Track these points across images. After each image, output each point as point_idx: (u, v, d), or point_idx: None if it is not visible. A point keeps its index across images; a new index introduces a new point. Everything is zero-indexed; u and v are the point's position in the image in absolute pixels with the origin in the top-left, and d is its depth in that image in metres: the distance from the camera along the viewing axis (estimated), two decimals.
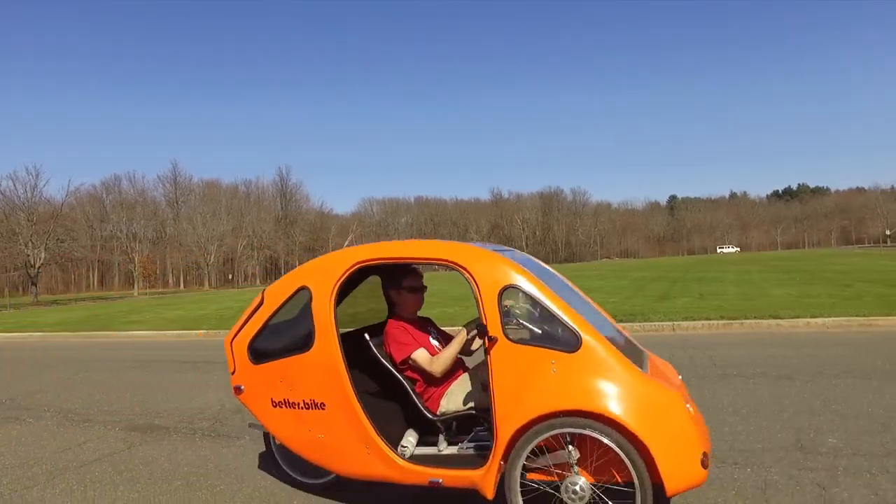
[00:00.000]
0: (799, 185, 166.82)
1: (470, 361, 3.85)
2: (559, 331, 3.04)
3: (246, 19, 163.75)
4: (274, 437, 3.94)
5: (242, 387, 3.72)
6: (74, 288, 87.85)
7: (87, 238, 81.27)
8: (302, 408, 3.49)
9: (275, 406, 3.58)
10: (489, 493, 3.08)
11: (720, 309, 12.31)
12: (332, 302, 3.44)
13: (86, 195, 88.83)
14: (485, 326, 3.10)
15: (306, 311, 3.49)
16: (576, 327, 2.99)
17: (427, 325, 3.85)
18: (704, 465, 2.83)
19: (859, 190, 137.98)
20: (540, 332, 3.07)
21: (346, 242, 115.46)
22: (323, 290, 3.44)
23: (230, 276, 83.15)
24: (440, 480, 3.22)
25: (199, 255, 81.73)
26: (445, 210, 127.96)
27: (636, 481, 2.83)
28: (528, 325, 3.07)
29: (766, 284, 18.86)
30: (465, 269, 3.22)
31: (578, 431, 2.90)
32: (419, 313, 3.88)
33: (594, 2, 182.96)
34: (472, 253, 3.29)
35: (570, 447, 2.96)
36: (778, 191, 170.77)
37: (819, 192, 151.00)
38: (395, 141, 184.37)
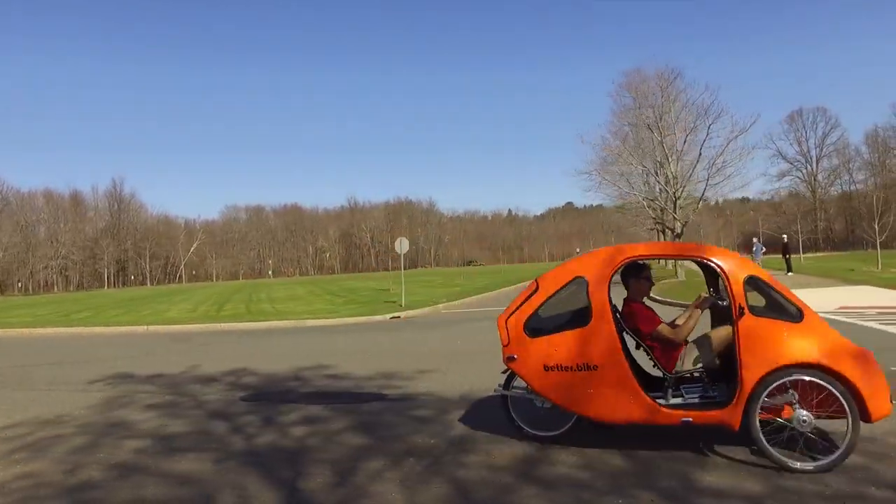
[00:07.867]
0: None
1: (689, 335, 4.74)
2: (788, 307, 4.08)
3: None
4: (512, 402, 4.83)
5: (515, 356, 4.48)
6: None
7: None
8: (574, 370, 4.27)
9: (547, 370, 4.35)
10: (736, 426, 3.97)
11: None
12: (608, 287, 4.29)
13: None
14: (722, 303, 4.33)
15: (582, 296, 4.32)
16: (800, 306, 4.06)
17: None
18: (892, 400, 3.90)
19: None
20: (775, 308, 4.11)
21: (192, 248, 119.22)
22: (600, 279, 4.31)
23: (18, 284, 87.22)
24: (690, 419, 4.06)
25: None
26: (303, 218, 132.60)
27: (848, 413, 3.81)
28: (766, 304, 4.11)
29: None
30: (716, 263, 4.21)
31: (809, 379, 3.83)
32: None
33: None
34: (720, 252, 4.32)
35: (791, 391, 3.93)
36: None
37: None
38: (269, 147, 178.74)
